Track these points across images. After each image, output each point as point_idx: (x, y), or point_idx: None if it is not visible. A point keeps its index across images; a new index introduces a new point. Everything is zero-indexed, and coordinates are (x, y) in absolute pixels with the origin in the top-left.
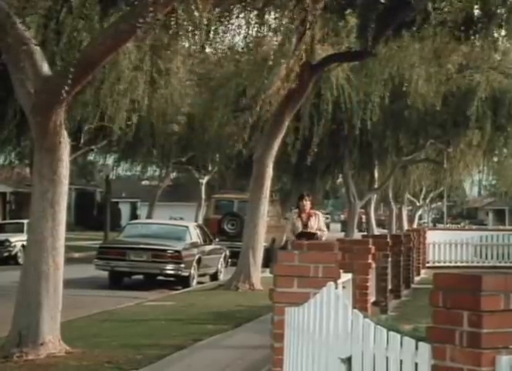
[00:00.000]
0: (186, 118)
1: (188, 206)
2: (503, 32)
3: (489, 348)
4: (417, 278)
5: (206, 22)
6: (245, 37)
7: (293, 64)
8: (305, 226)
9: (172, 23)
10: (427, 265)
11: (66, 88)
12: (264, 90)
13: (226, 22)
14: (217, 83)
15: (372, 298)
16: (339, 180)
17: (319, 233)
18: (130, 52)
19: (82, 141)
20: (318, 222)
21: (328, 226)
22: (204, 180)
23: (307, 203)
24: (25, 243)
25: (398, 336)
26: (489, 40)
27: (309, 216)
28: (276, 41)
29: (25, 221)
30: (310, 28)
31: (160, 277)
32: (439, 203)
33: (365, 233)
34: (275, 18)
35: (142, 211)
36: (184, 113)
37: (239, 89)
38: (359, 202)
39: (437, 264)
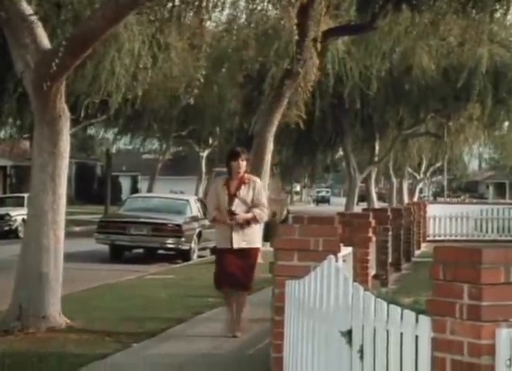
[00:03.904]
0: (186, 92)
1: (188, 180)
2: (498, 6)
3: (489, 321)
4: (417, 252)
5: None
6: (246, 9)
7: (293, 38)
8: (233, 197)
9: None
10: (427, 239)
11: (66, 62)
12: (264, 64)
13: None
14: (218, 56)
15: (372, 272)
16: (340, 154)
17: (255, 211)
18: (131, 25)
19: (82, 114)
20: (253, 192)
21: (327, 201)
22: (204, 154)
23: (242, 164)
24: (25, 217)
25: (399, 309)
26: (486, 12)
27: (241, 182)
28: (276, 14)
29: (26, 195)
30: (311, 2)
31: (160, 251)
32: (440, 177)
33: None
34: None
35: (143, 185)
36: (185, 86)
37: (239, 62)
38: (359, 175)
39: (437, 238)
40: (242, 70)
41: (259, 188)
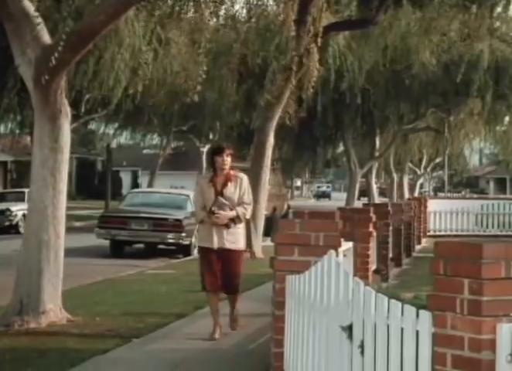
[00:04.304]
0: (188, 88)
1: (189, 175)
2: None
3: (489, 316)
4: (418, 247)
5: None
6: (247, 4)
7: (294, 33)
8: (220, 195)
9: None
10: (428, 234)
11: (66, 57)
12: (265, 59)
13: None
14: (218, 51)
15: (373, 267)
16: (341, 149)
17: (238, 209)
18: (132, 21)
19: (83, 109)
20: (239, 190)
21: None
22: (205, 149)
23: (227, 159)
24: (26, 212)
25: (399, 304)
26: (486, 7)
27: (227, 179)
28: (276, 9)
29: (26, 190)
30: None
31: (161, 246)
32: (440, 172)
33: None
34: None
35: (143, 180)
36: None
37: (240, 57)
38: (360, 170)
39: (438, 233)
40: (243, 64)
41: (245, 187)
